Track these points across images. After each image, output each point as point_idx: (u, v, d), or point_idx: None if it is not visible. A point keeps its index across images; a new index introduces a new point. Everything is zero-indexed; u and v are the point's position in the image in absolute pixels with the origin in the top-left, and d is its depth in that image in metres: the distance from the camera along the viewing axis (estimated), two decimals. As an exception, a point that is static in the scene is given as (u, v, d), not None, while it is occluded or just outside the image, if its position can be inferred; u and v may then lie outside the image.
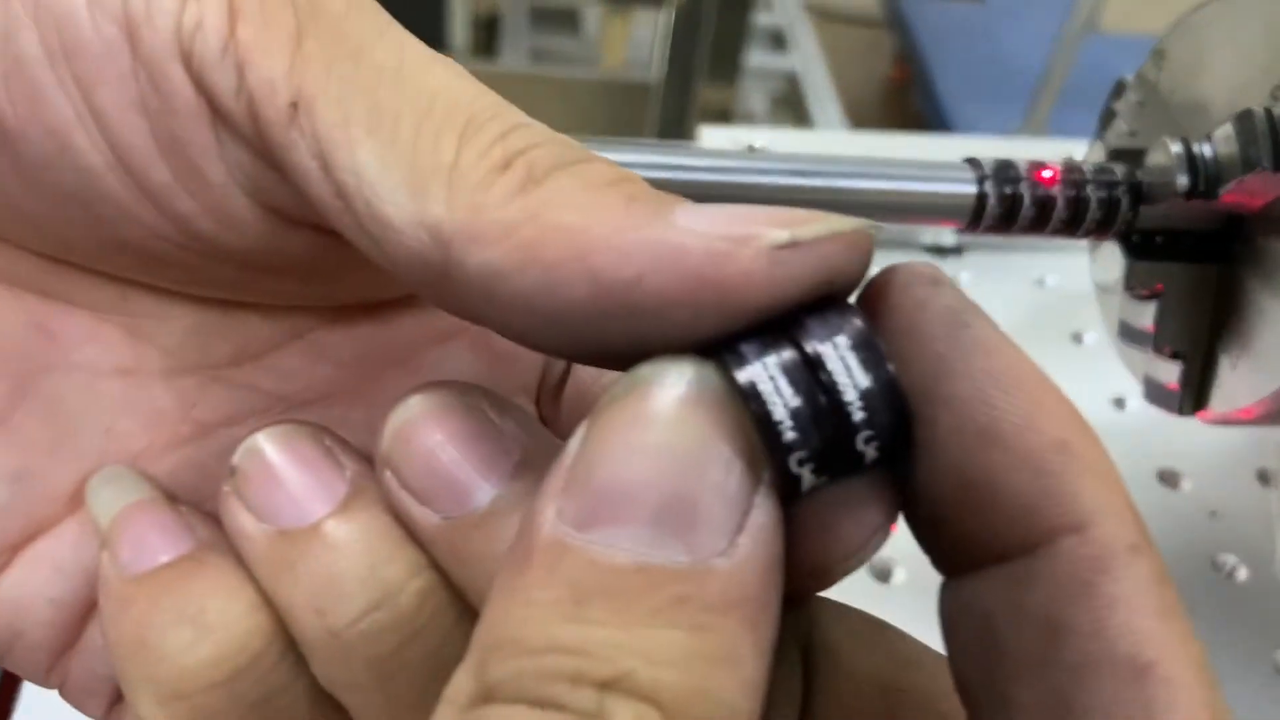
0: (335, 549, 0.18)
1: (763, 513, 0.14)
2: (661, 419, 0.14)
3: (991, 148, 0.37)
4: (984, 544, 0.14)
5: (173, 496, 0.20)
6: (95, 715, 0.21)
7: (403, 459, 0.18)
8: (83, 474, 0.20)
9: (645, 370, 0.15)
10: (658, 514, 0.14)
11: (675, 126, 0.98)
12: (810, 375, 0.14)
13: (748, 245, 0.14)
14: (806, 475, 0.14)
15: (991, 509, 0.14)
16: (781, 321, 0.14)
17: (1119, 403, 0.49)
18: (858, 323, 0.14)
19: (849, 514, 0.15)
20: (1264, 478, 0.46)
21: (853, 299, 0.15)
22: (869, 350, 0.14)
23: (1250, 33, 0.32)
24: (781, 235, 0.14)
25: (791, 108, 1.45)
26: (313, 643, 0.19)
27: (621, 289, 0.14)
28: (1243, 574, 0.42)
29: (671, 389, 0.14)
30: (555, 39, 1.46)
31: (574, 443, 0.15)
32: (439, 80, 0.16)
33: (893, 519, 0.16)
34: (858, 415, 0.14)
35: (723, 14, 1.05)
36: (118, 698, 0.20)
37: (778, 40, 1.53)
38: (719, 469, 0.14)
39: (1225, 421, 0.35)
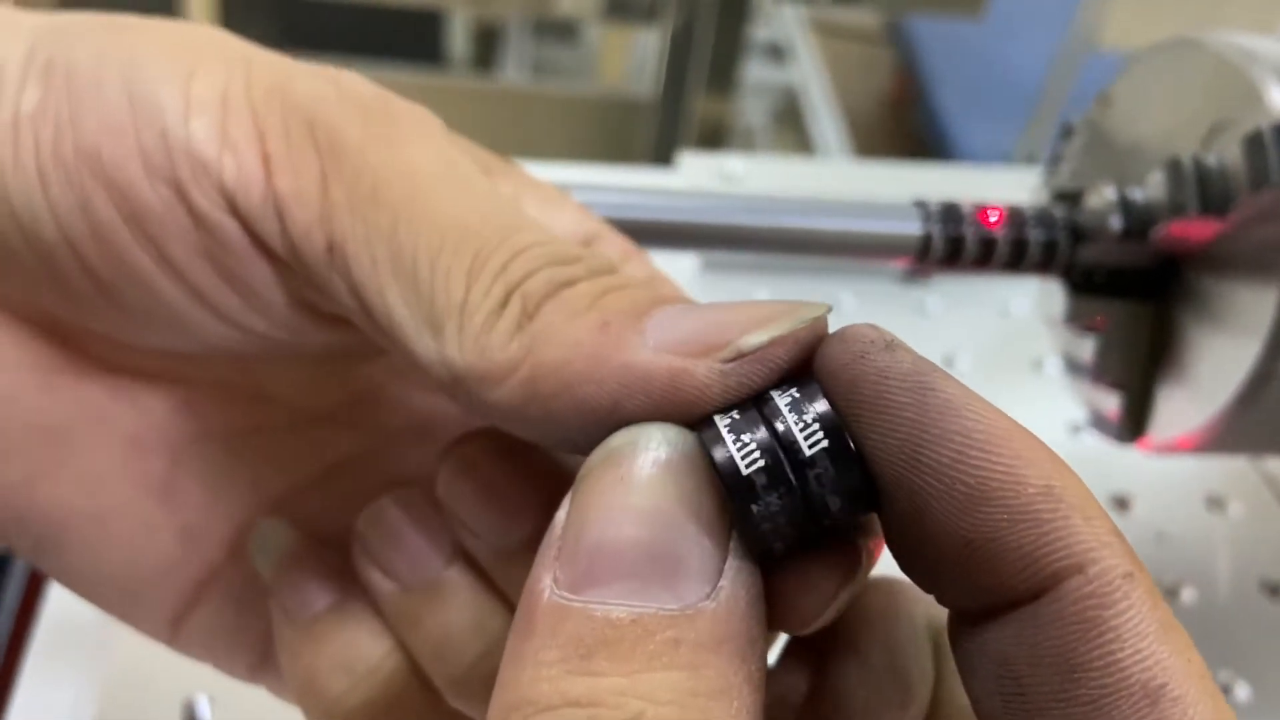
0: (447, 607, 0.20)
1: (739, 556, 0.15)
2: (637, 482, 0.15)
3: (967, 178, 0.37)
4: (992, 595, 0.14)
5: (316, 534, 0.23)
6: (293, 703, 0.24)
7: (456, 503, 0.20)
8: (240, 519, 0.23)
9: (617, 440, 0.16)
10: (644, 569, 0.15)
11: (670, 142, 0.99)
12: (779, 453, 0.15)
13: (703, 360, 0.16)
14: (779, 546, 0.15)
15: (995, 563, 0.14)
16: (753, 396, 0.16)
17: (1075, 429, 0.50)
18: (821, 404, 0.15)
19: (816, 572, 0.16)
20: (1212, 502, 0.47)
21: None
22: (831, 430, 0.15)
23: (1187, 81, 0.34)
24: (729, 349, 0.16)
25: (791, 122, 1.46)
26: (442, 685, 0.21)
27: (603, 414, 0.16)
28: (1187, 594, 0.43)
29: (643, 454, 0.16)
30: (555, 52, 1.47)
31: (561, 513, 0.16)
32: (449, 208, 0.18)
33: (858, 570, 0.17)
34: (824, 490, 0.15)
35: (720, 29, 1.07)
36: None
37: (776, 55, 1.54)
38: (695, 522, 0.15)
39: (1165, 450, 0.37)
